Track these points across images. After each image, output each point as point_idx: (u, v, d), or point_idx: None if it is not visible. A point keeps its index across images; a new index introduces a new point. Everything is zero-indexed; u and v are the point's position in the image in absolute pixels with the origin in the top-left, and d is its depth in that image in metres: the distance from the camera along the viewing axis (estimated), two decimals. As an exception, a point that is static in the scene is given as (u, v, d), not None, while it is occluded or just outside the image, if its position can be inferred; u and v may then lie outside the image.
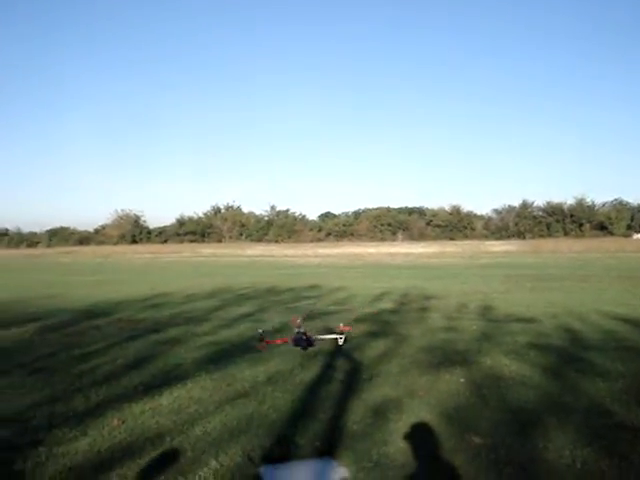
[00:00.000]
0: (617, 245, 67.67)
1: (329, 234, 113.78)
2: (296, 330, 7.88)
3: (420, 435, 4.64)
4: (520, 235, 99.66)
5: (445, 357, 7.50)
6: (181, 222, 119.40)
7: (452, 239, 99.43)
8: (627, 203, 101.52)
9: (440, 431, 4.71)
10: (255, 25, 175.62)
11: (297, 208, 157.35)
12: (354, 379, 6.47)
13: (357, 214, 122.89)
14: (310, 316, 10.69)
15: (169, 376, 6.71)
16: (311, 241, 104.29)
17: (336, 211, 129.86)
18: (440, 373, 6.63)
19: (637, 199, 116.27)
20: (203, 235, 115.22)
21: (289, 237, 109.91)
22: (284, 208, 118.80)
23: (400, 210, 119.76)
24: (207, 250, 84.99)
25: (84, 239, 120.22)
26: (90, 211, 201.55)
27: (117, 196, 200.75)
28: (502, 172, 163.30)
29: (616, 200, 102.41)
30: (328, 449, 4.37)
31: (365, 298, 15.78)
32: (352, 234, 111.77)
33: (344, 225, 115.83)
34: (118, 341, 9.14)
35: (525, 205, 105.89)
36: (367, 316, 11.81)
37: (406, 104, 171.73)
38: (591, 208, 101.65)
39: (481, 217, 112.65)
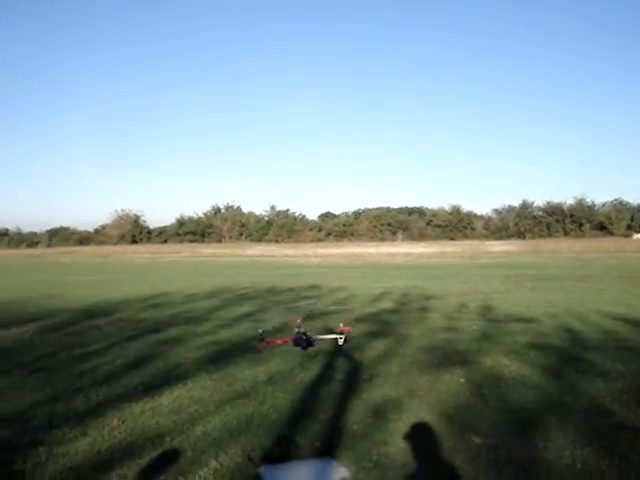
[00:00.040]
0: (617, 245, 67.68)
1: (329, 234, 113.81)
2: (296, 330, 7.88)
3: (420, 435, 4.64)
4: (520, 235, 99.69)
5: (445, 357, 7.50)
6: (181, 222, 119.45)
7: (452, 239, 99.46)
8: (627, 203, 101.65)
9: (440, 431, 4.71)
10: (255, 25, 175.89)
11: (297, 208, 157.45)
12: (354, 379, 6.47)
13: (357, 214, 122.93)
14: (310, 316, 10.69)
15: (169, 376, 6.72)
16: (311, 241, 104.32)
17: (336, 211, 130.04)
18: (440, 373, 6.63)
19: (637, 199, 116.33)
20: (203, 235, 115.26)
21: (289, 237, 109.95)
22: (284, 208, 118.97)
23: (400, 210, 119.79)
24: (207, 250, 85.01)
25: (84, 239, 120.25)
26: (90, 211, 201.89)
27: (117, 196, 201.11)
28: (502, 172, 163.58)
29: (616, 200, 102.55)
30: (328, 449, 4.37)
31: (365, 298, 15.78)
32: (352, 234, 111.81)
33: (344, 225, 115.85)
34: (118, 341, 9.15)
35: (525, 205, 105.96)
36: (367, 316, 11.81)
37: (406, 104, 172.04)
38: (591, 208, 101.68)
39: (481, 217, 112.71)
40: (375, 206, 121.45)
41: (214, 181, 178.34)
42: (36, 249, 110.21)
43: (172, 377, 6.64)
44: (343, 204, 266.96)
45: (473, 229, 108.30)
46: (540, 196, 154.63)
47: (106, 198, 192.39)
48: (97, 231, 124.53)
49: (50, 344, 9.05)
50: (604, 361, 7.17)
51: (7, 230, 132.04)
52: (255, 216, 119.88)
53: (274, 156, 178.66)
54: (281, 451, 4.35)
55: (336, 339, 8.16)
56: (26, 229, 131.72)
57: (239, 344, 8.67)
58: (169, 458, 4.21)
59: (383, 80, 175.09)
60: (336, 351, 7.88)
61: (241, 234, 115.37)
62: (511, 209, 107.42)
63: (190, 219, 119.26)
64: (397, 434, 4.65)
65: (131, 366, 7.29)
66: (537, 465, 4.06)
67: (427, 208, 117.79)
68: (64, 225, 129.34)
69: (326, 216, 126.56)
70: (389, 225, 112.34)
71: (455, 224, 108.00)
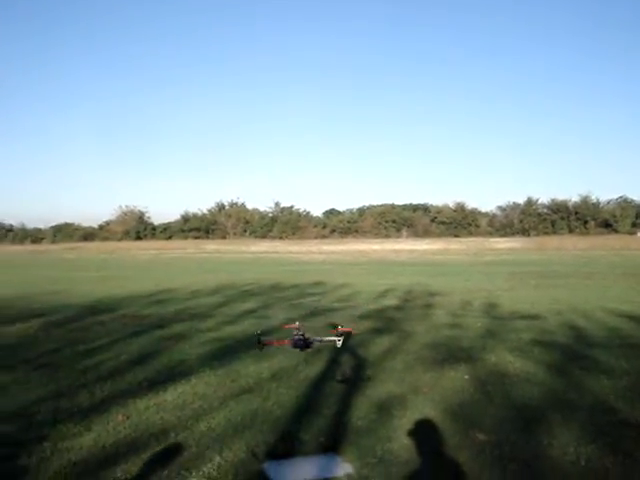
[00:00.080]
0: (622, 243, 67.43)
1: (333, 231, 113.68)
2: (295, 332, 7.84)
3: (424, 431, 4.63)
4: (525, 232, 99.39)
5: (449, 354, 7.50)
6: (185, 218, 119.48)
7: (456, 236, 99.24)
8: (632, 201, 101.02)
9: (444, 428, 4.70)
10: (255, 21, 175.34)
11: (301, 205, 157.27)
12: (358, 375, 6.47)
13: (361, 211, 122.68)
14: (314, 313, 10.69)
15: (173, 372, 6.73)
16: (315, 238, 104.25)
17: (340, 208, 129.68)
18: (444, 370, 6.63)
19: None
20: (207, 231, 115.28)
21: (293, 234, 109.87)
22: (288, 205, 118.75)
23: (404, 207, 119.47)
24: (211, 246, 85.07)
25: (88, 235, 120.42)
26: (95, 207, 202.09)
27: (122, 192, 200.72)
28: (506, 169, 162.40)
29: (621, 198, 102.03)
30: (332, 445, 4.37)
31: (369, 295, 15.78)
32: (356, 231, 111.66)
33: (348, 222, 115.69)
34: (122, 337, 9.17)
35: (530, 202, 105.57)
36: (371, 313, 11.82)
37: (410, 101, 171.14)
38: (596, 205, 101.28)
39: (485, 214, 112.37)
40: (379, 203, 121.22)
41: (218, 178, 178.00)
42: (40, 245, 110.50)
43: (176, 373, 6.65)
44: (347, 201, 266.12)
45: (477, 226, 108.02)
46: (545, 193, 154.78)
47: (110, 194, 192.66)
48: (101, 227, 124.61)
49: (54, 340, 9.08)
50: (608, 358, 7.16)
51: (11, 226, 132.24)
52: (259, 212, 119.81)
53: (279, 152, 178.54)
54: (285, 447, 4.35)
55: (334, 341, 8.05)
56: (30, 225, 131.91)
57: (243, 340, 8.67)
58: (173, 454, 4.22)
59: (386, 77, 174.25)
60: (340, 347, 7.87)
61: (245, 230, 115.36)
62: (516, 206, 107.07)
63: (194, 215, 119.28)
64: (401, 430, 4.65)
65: (135, 362, 7.30)
66: (541, 462, 4.06)
67: (431, 205, 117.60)
68: (68, 221, 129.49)
69: (330, 213, 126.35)
70: (393, 222, 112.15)
71: (459, 221, 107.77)
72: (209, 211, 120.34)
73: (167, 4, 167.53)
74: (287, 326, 8.68)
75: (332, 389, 5.91)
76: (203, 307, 13.29)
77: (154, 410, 5.29)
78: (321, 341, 8.06)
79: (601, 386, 5.92)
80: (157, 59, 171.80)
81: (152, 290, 18.11)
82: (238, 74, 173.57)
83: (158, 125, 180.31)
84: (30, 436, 4.61)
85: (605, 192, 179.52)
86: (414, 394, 5.65)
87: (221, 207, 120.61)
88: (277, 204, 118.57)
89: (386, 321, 10.54)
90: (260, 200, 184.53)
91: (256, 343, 7.81)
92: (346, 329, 8.50)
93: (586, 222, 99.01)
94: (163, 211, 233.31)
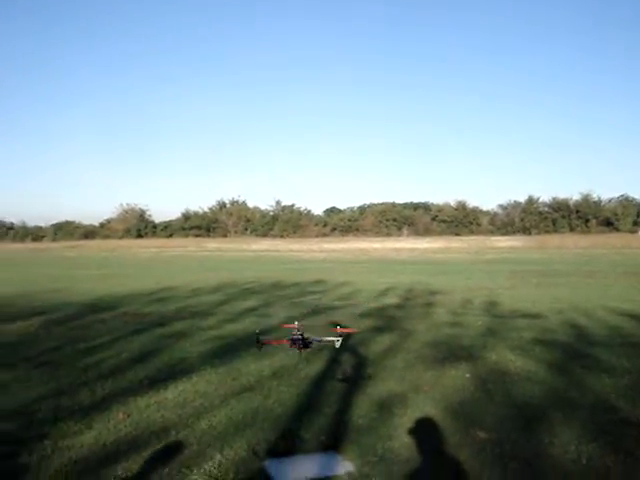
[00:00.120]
0: (623, 241, 67.41)
1: (334, 229, 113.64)
2: (294, 332, 7.81)
3: (425, 430, 4.63)
4: (526, 231, 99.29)
5: (450, 352, 7.49)
6: (186, 216, 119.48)
7: (457, 235, 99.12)
8: (633, 199, 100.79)
9: (445, 426, 4.70)
10: (256, 19, 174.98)
11: (302, 203, 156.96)
12: (359, 374, 6.47)
13: (362, 209, 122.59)
14: (315, 311, 10.68)
15: (174, 370, 6.73)
16: (316, 236, 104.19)
17: (341, 206, 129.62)
18: (445, 368, 6.62)
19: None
20: (208, 230, 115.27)
21: (294, 232, 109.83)
22: (289, 203, 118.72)
23: (405, 205, 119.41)
24: (212, 245, 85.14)
25: (89, 233, 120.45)
26: (95, 205, 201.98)
27: (122, 190, 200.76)
28: (508, 167, 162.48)
29: (622, 196, 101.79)
30: (333, 443, 4.37)
31: (370, 293, 15.78)
32: (357, 229, 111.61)
33: (349, 220, 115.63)
34: (123, 335, 9.17)
35: (531, 201, 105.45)
36: (372, 311, 11.81)
37: (411, 99, 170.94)
38: (597, 204, 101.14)
39: (487, 213, 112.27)
40: (380, 201, 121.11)
41: (219, 176, 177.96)
42: (41, 243, 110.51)
43: (177, 371, 6.66)
44: (348, 199, 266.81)
45: (479, 225, 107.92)
46: (546, 192, 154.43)
47: (111, 192, 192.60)
48: (102, 225, 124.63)
49: (55, 338, 9.08)
50: (610, 357, 7.15)
51: (12, 224, 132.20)
52: (260, 211, 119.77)
53: (280, 151, 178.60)
54: (286, 445, 4.35)
55: (333, 342, 7.99)
56: (31, 223, 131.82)
57: (244, 338, 8.66)
58: (174, 451, 4.22)
59: (387, 75, 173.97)
60: (341, 346, 7.85)
61: (246, 229, 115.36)
62: (517, 205, 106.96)
63: (195, 214, 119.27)
64: (402, 429, 4.65)
65: (136, 360, 7.30)
66: (542, 460, 4.05)
67: (432, 203, 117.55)
68: (69, 219, 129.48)
69: (331, 211, 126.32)
70: (394, 220, 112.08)
71: (461, 219, 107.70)
72: (210, 209, 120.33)
73: (167, 3, 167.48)
74: (286, 326, 8.67)
75: (333, 387, 5.91)
76: (204, 305, 13.29)
77: (155, 408, 5.29)
78: (320, 341, 8.02)
79: (602, 385, 5.91)
80: (157, 57, 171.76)
81: (153, 288, 18.12)
82: (238, 72, 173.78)
83: (159, 123, 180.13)
84: (31, 434, 4.61)
85: (606, 190, 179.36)
86: (415, 392, 5.65)
87: (222, 205, 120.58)
88: (278, 202, 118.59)
89: (387, 319, 10.54)
90: (261, 198, 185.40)
91: (255, 342, 7.79)
92: (349, 330, 8.49)
93: (587, 220, 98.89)
94: (164, 209, 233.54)
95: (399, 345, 8.05)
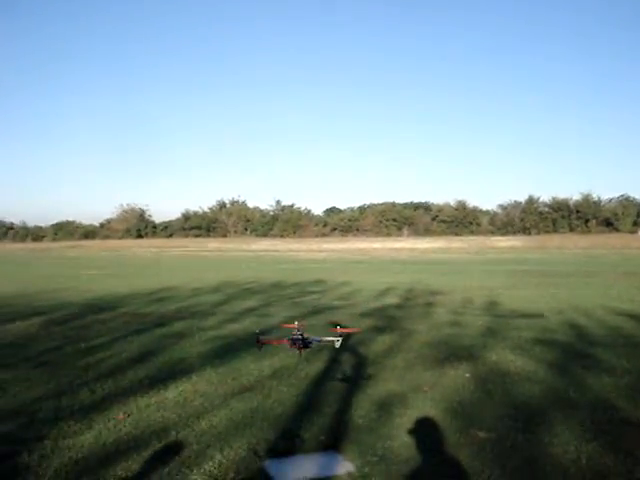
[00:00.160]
0: (623, 241, 67.50)
1: (334, 229, 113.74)
2: (294, 331, 7.81)
3: (425, 430, 4.63)
4: (526, 231, 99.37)
5: (450, 352, 7.49)
6: (186, 217, 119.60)
7: (457, 234, 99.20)
8: (633, 199, 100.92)
9: (445, 426, 4.70)
10: (255, 19, 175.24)
11: (302, 203, 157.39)
12: (359, 374, 6.47)
13: (362, 209, 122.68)
14: (315, 311, 10.67)
15: (174, 370, 6.73)
16: (316, 236, 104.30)
17: (341, 206, 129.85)
18: (445, 368, 6.62)
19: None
20: (208, 230, 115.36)
21: (294, 232, 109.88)
22: (289, 203, 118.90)
23: (405, 205, 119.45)
24: (212, 245, 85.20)
25: (89, 233, 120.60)
26: (95, 205, 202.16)
27: (123, 190, 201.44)
28: (508, 167, 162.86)
29: (622, 196, 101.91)
30: (333, 443, 4.36)
31: (370, 293, 15.79)
32: (357, 229, 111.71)
33: (349, 220, 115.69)
34: (123, 335, 9.17)
35: (531, 201, 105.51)
36: (372, 311, 11.81)
37: (411, 99, 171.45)
38: (597, 204, 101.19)
39: (487, 212, 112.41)
40: (380, 201, 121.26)
41: (219, 176, 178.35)
42: (41, 243, 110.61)
43: (177, 371, 6.65)
44: (348, 199, 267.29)
45: (479, 225, 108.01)
46: (546, 192, 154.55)
47: (111, 192, 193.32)
48: (102, 225, 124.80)
49: (55, 338, 9.08)
50: (610, 357, 7.15)
51: (12, 224, 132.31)
52: (260, 211, 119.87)
53: (279, 151, 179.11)
54: (286, 445, 4.35)
55: (333, 342, 7.98)
56: (31, 223, 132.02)
57: (244, 338, 8.66)
58: (174, 451, 4.22)
59: (387, 75, 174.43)
60: (341, 346, 7.85)
61: (246, 229, 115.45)
62: (517, 205, 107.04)
63: (195, 214, 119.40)
64: (402, 429, 4.64)
65: (136, 360, 7.30)
66: (542, 460, 4.05)
67: (433, 203, 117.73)
68: (69, 219, 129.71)
69: (331, 211, 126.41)
70: (394, 220, 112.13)
71: (461, 219, 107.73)
72: (210, 209, 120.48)
73: (167, 3, 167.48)
74: (286, 325, 8.67)
75: (333, 387, 5.91)
76: (204, 305, 13.29)
77: (155, 408, 5.29)
78: (320, 341, 8.02)
79: (602, 384, 5.91)
80: (157, 57, 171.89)
81: (153, 288, 18.12)
82: (239, 72, 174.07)
83: (159, 123, 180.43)
84: (31, 434, 4.61)
85: (606, 191, 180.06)
86: (415, 392, 5.65)
87: (222, 205, 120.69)
88: (278, 202, 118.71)
89: (387, 319, 10.54)
90: (261, 198, 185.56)
91: (255, 342, 7.78)
92: (350, 329, 8.48)
93: (587, 221, 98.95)
94: (164, 209, 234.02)
95: (399, 345, 8.05)
